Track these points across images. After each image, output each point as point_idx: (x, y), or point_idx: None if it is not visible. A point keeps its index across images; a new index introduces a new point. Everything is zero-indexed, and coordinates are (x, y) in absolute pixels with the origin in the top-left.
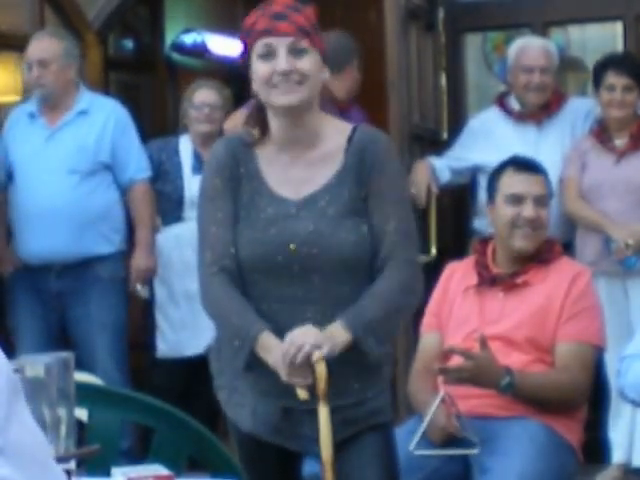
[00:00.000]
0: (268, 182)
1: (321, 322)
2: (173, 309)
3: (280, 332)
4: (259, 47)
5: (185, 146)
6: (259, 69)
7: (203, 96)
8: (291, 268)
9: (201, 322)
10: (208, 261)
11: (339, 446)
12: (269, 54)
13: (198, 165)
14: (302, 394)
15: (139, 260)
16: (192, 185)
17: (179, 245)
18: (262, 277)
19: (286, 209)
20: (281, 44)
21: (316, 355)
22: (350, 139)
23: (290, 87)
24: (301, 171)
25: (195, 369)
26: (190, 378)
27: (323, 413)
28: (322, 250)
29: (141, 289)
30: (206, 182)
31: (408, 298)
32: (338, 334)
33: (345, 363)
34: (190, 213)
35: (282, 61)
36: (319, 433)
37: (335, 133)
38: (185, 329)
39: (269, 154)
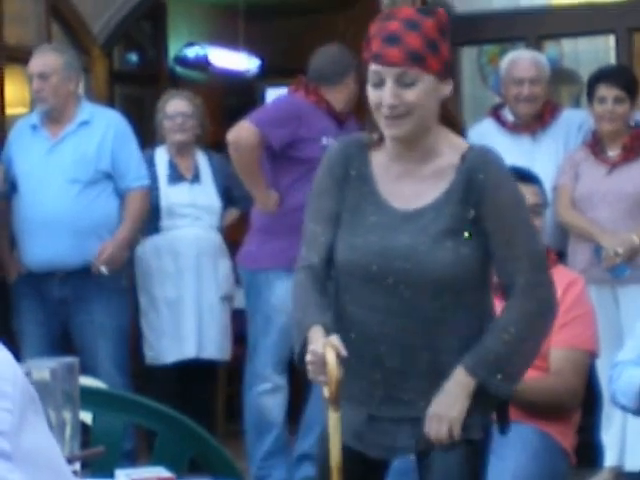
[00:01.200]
0: (378, 189)
1: (403, 337)
2: (155, 317)
3: (370, 341)
4: (370, 72)
5: (161, 157)
6: (370, 94)
7: (175, 106)
8: (385, 279)
9: (182, 329)
10: (301, 255)
11: (418, 455)
12: (378, 82)
13: (174, 175)
14: (326, 392)
15: (106, 245)
16: (168, 195)
17: (159, 255)
18: (357, 283)
19: (390, 219)
20: (389, 74)
21: (329, 354)
22: (463, 158)
23: (395, 121)
24: (412, 185)
25: (190, 373)
26: (185, 382)
27: (332, 417)
28: (415, 266)
29: (104, 270)
30: (317, 179)
31: (537, 323)
32: (463, 381)
33: (417, 378)
34: (167, 222)
35: (388, 95)
36: (405, 443)
37: (450, 149)
38: (166, 336)
39: (383, 161)
